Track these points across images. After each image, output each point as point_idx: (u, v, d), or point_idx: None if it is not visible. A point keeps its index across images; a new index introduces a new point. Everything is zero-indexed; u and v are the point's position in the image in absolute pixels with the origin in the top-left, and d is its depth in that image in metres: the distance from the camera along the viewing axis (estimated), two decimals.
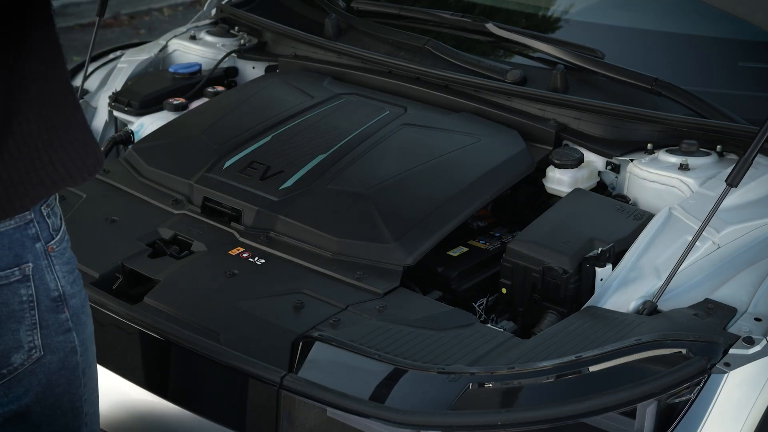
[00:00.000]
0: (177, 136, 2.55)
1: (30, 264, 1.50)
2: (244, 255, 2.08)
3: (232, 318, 1.90)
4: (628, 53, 2.65)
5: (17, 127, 1.43)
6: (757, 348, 1.76)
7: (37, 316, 1.52)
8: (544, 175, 2.37)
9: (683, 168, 2.22)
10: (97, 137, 2.90)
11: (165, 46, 3.17)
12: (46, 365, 1.56)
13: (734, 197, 2.06)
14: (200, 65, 3.02)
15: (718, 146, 2.28)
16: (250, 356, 1.78)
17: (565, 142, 2.42)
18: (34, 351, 1.53)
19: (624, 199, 2.28)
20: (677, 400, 1.69)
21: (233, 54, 3.05)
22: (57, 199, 1.59)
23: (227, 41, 3.14)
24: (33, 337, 1.53)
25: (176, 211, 2.25)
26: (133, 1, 7.70)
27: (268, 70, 3.00)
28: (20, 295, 1.50)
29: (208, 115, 2.63)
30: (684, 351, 1.73)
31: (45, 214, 1.52)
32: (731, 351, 1.75)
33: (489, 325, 1.94)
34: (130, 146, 2.64)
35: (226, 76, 3.05)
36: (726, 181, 1.95)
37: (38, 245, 1.51)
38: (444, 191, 2.21)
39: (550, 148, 2.40)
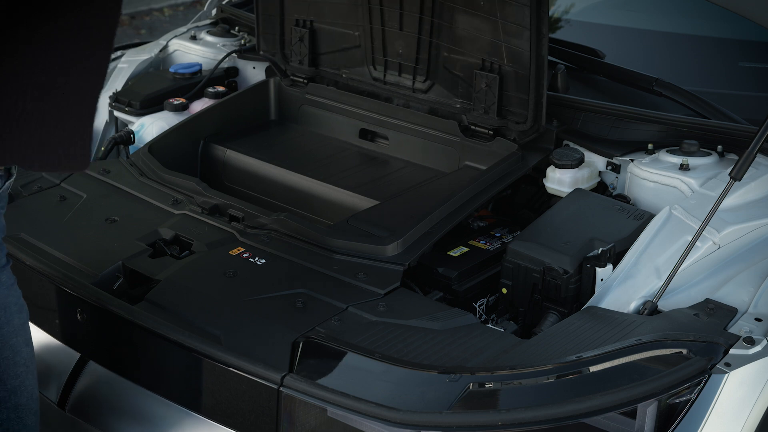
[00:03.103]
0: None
1: None
2: (245, 255, 2.07)
3: (233, 318, 1.90)
4: (628, 53, 2.65)
5: None
6: (757, 348, 1.76)
7: None
8: (544, 175, 2.37)
9: (684, 168, 2.22)
10: (97, 137, 2.90)
11: (165, 46, 3.17)
12: None
13: (734, 197, 2.06)
14: (201, 65, 3.02)
15: (719, 146, 2.28)
16: (250, 356, 1.78)
17: (565, 142, 2.42)
18: None
19: (624, 199, 2.28)
20: (678, 400, 1.69)
21: (234, 54, 3.05)
22: None
23: (228, 41, 3.14)
24: None
25: (177, 212, 2.25)
26: (133, 1, 7.69)
27: (268, 70, 3.00)
28: None
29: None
30: (684, 351, 1.73)
31: None
32: (732, 351, 1.75)
33: (489, 325, 1.94)
34: (130, 146, 2.64)
35: (227, 76, 3.05)
36: (730, 174, 1.95)
37: None
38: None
39: (551, 148, 2.40)
